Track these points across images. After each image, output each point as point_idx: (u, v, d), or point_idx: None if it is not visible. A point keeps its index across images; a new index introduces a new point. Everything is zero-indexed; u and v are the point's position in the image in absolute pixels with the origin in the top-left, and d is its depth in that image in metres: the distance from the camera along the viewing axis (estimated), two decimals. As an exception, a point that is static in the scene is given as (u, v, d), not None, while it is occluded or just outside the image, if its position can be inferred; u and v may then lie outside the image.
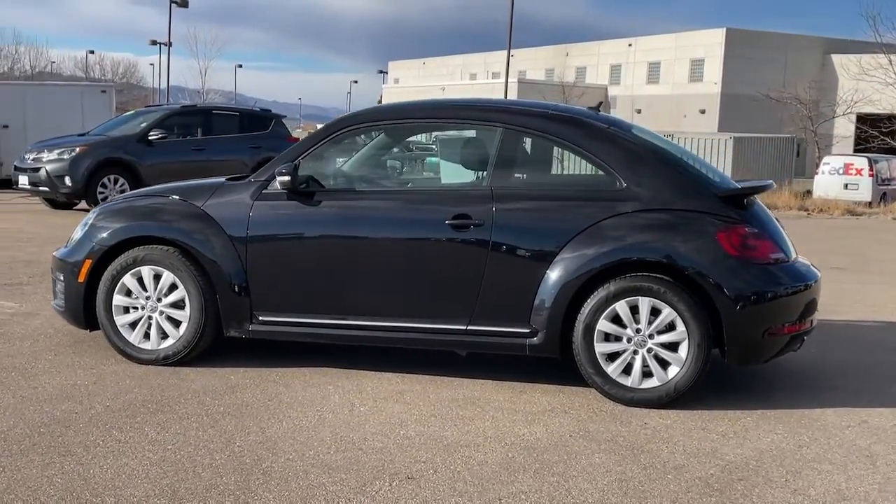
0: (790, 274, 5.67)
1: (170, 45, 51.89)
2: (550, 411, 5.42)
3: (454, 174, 6.22)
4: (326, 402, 5.44)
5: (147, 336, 6.10)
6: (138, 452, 4.51)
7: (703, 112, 59.67)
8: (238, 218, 5.98)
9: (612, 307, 5.53)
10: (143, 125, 17.06)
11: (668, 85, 63.20)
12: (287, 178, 5.87)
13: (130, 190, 15.51)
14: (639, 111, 63.26)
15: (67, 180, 16.14)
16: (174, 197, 6.19)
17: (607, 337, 5.57)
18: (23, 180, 16.82)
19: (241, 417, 5.09)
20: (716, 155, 34.80)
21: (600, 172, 5.80)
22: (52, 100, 22.10)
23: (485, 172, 5.87)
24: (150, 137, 16.71)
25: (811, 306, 5.80)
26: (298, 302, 5.95)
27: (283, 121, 18.81)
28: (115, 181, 16.38)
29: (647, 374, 5.57)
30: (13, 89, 23.43)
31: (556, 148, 5.94)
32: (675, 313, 5.46)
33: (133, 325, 6.11)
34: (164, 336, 6.09)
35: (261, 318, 5.97)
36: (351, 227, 5.90)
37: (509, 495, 4.15)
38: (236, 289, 5.95)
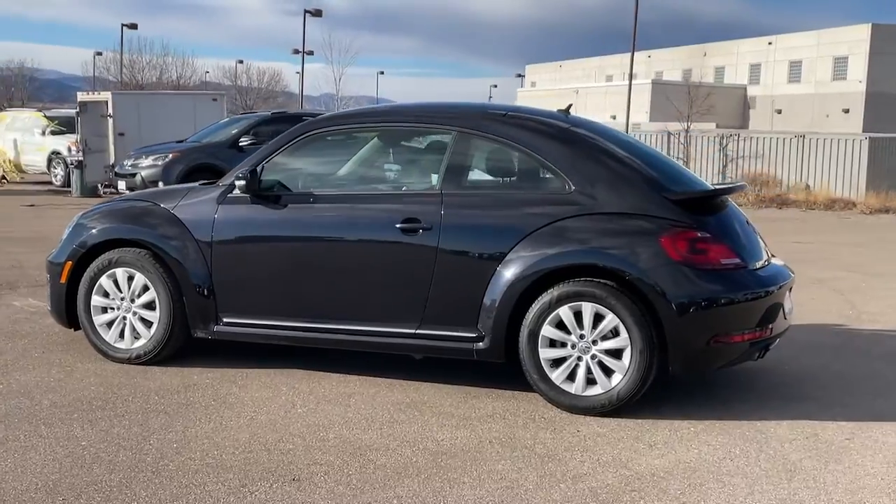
0: (745, 280, 5.46)
1: (303, 53, 53.07)
2: (489, 416, 5.36)
3: (409, 177, 6.22)
4: (270, 403, 5.51)
5: (122, 335, 6.32)
6: (50, 448, 4.67)
7: (846, 112, 57.50)
8: (204, 221, 6.13)
9: (555, 312, 5.43)
10: (235, 132, 17.58)
11: (809, 84, 61.16)
12: (243, 182, 5.99)
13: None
14: (779, 111, 61.45)
15: (160, 185, 16.77)
16: (150, 201, 6.39)
17: (552, 343, 5.47)
18: (121, 185, 17.57)
19: (173, 416, 5.21)
20: (849, 157, 33.43)
21: (549, 176, 5.71)
22: (165, 108, 22.97)
23: (437, 176, 5.86)
24: (240, 143, 17.19)
25: (772, 313, 5.57)
26: (259, 304, 6.05)
27: None
28: (207, 186, 16.91)
29: (591, 381, 5.45)
30: (128, 98, 24.46)
31: (509, 151, 5.87)
32: (617, 319, 5.33)
33: (110, 324, 6.33)
34: (137, 336, 6.29)
35: (225, 319, 6.11)
36: (306, 230, 5.97)
37: (382, 500, 4.14)
38: (202, 290, 6.10)
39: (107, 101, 22.19)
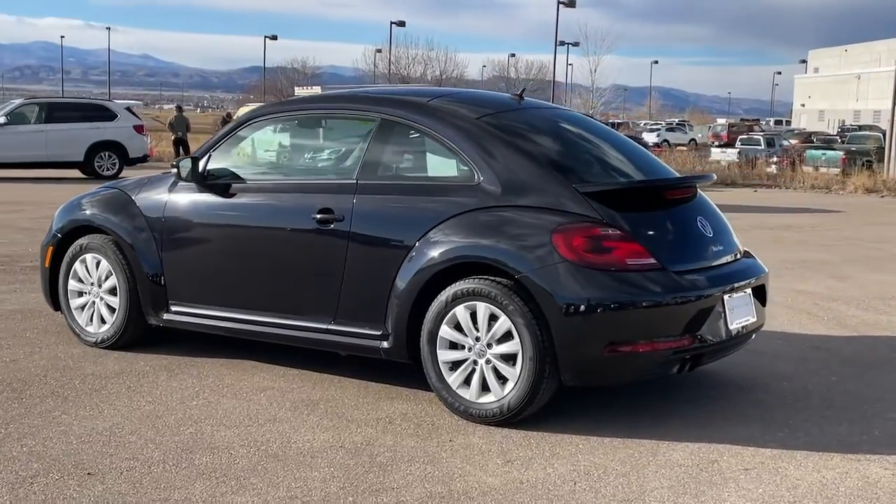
0: (658, 283, 4.87)
1: (555, 44, 52.80)
2: (378, 420, 5.07)
3: (332, 166, 5.97)
4: (175, 394, 5.44)
5: (91, 320, 6.48)
6: (-86, 424, 4.85)
7: None
8: (156, 209, 6.17)
9: (452, 312, 5.07)
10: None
11: None
12: (176, 169, 5.99)
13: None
14: None
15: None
16: (120, 189, 6.50)
17: (452, 345, 5.10)
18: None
19: (69, 402, 5.22)
20: None
21: (461, 166, 5.33)
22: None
23: (357, 164, 5.60)
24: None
25: (698, 322, 4.93)
26: (201, 294, 6.03)
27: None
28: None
29: (487, 387, 5.04)
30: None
31: (426, 139, 5.50)
32: (510, 322, 4.90)
33: (84, 308, 6.51)
34: (103, 321, 6.43)
35: (173, 308, 6.13)
36: (236, 220, 5.89)
37: (174, 499, 3.99)
38: (154, 278, 6.14)
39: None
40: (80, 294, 6.50)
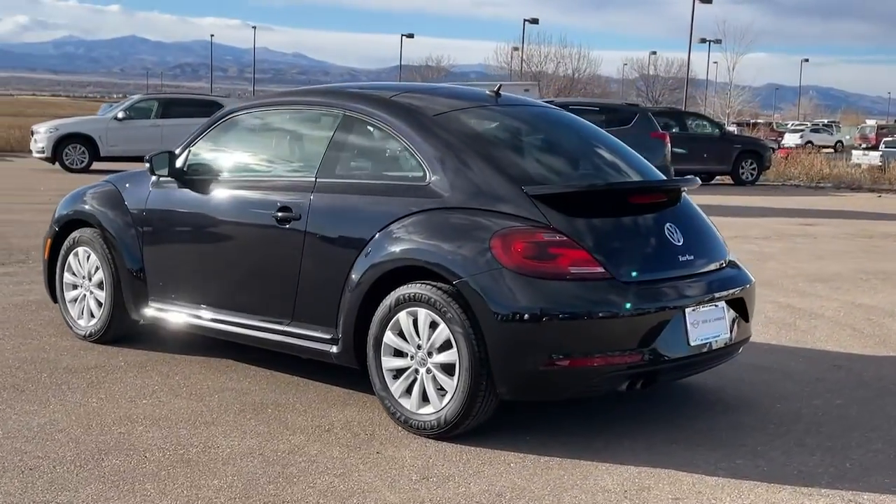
0: (603, 293, 4.54)
1: (689, 40, 51.51)
2: (325, 427, 4.86)
3: (296, 163, 5.78)
4: (132, 391, 5.36)
5: (82, 313, 6.49)
6: None
7: None
8: (139, 203, 6.13)
9: (396, 318, 4.84)
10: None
11: None
12: (148, 163, 5.93)
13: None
14: None
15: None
16: (113, 183, 6.48)
17: (397, 352, 4.88)
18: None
19: (32, 400, 5.16)
20: None
21: (414, 164, 5.08)
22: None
23: (318, 161, 5.42)
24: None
25: (646, 337, 4.58)
26: (175, 291, 5.97)
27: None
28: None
29: (427, 398, 4.80)
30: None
31: (386, 136, 5.26)
32: (448, 330, 4.64)
33: (76, 301, 6.53)
34: (92, 315, 6.43)
35: (152, 304, 6.08)
36: (206, 218, 5.79)
37: (56, 502, 3.89)
38: (135, 273, 6.10)
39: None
40: (75, 287, 6.51)
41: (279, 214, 5.32)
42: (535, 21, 62.44)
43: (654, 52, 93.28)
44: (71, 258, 6.49)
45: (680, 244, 4.91)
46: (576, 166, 5.34)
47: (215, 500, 3.96)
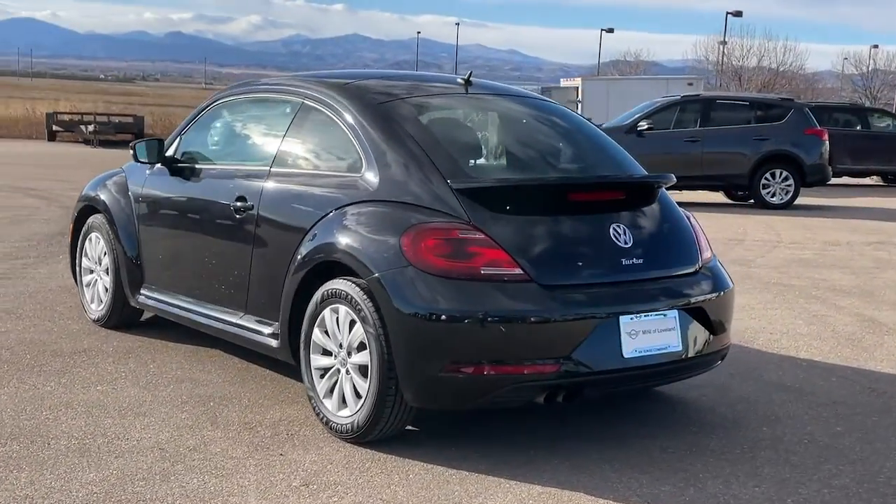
0: (517, 296, 4.18)
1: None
2: (253, 424, 4.70)
3: (259, 152, 5.59)
4: (108, 383, 5.26)
5: (94, 298, 6.58)
6: None
7: None
8: (137, 191, 6.15)
9: (322, 315, 4.62)
10: (636, 116, 16.81)
11: None
12: (132, 151, 5.92)
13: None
14: None
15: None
16: (124, 171, 6.52)
17: (325, 351, 4.66)
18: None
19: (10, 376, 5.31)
20: None
21: (354, 155, 4.83)
22: (635, 93, 22.65)
23: (276, 150, 5.26)
24: (639, 128, 16.39)
25: (563, 346, 4.17)
26: (161, 279, 5.96)
27: None
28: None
29: (346, 400, 4.57)
30: (598, 84, 24.47)
31: (335, 124, 5.02)
32: (363, 329, 4.39)
33: (90, 285, 6.63)
34: (101, 300, 6.50)
35: (144, 291, 6.08)
36: (182, 205, 5.76)
37: None
38: (133, 259, 6.13)
39: (577, 87, 22.48)
40: (90, 271, 6.60)
41: (237, 204, 5.20)
42: (738, 14, 60.11)
43: (876, 46, 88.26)
44: (87, 243, 6.59)
45: (626, 247, 4.46)
46: (525, 160, 4.97)
47: (77, 494, 3.86)
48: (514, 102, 5.45)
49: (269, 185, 5.09)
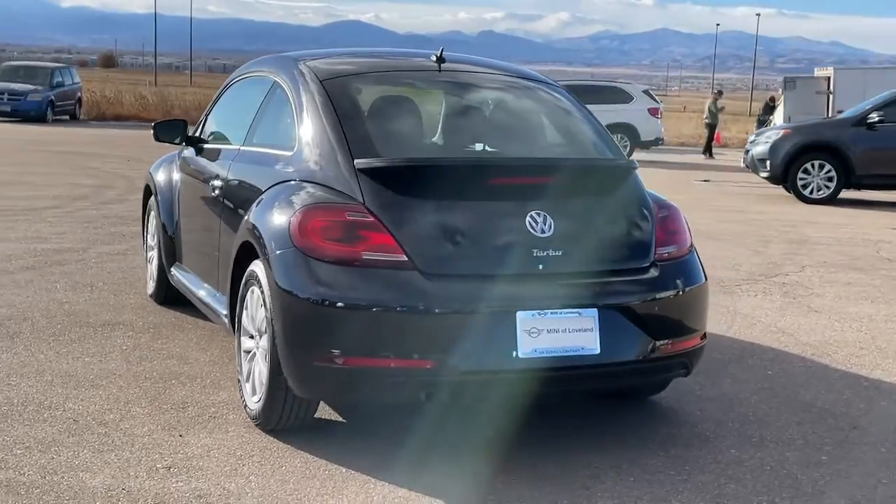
0: (395, 285, 3.88)
1: None
2: (175, 405, 4.67)
3: (240, 131, 5.47)
4: (99, 356, 5.43)
5: (151, 275, 6.80)
6: None
7: None
8: (178, 170, 6.30)
9: (246, 296, 4.52)
10: (868, 107, 15.38)
11: None
12: (152, 131, 6.03)
13: (836, 177, 14.49)
14: None
15: (767, 164, 15.55)
16: (176, 152, 6.67)
17: (251, 334, 4.56)
18: (744, 162, 16.79)
19: (36, 345, 5.53)
20: None
21: (293, 133, 4.67)
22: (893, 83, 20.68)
23: (247, 130, 5.22)
24: (869, 120, 15.00)
25: (444, 341, 3.83)
26: (180, 255, 6.08)
27: None
28: (821, 167, 15.16)
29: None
30: (853, 75, 22.51)
31: (289, 104, 4.86)
32: (264, 312, 4.26)
33: (150, 262, 6.86)
34: (154, 277, 6.71)
35: (174, 269, 6.20)
36: (191, 184, 5.84)
37: None
38: (171, 238, 6.27)
39: (828, 78, 20.87)
40: (151, 249, 6.83)
41: (213, 183, 5.21)
42: None
43: None
44: (148, 222, 6.83)
45: (543, 236, 4.02)
46: (458, 142, 4.64)
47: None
48: (490, 81, 5.09)
49: (235, 164, 5.06)
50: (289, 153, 4.56)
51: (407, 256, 3.89)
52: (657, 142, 24.17)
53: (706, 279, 4.51)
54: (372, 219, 3.95)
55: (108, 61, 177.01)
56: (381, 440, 4.25)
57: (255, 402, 4.33)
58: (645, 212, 4.37)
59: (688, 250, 4.46)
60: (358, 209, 4.00)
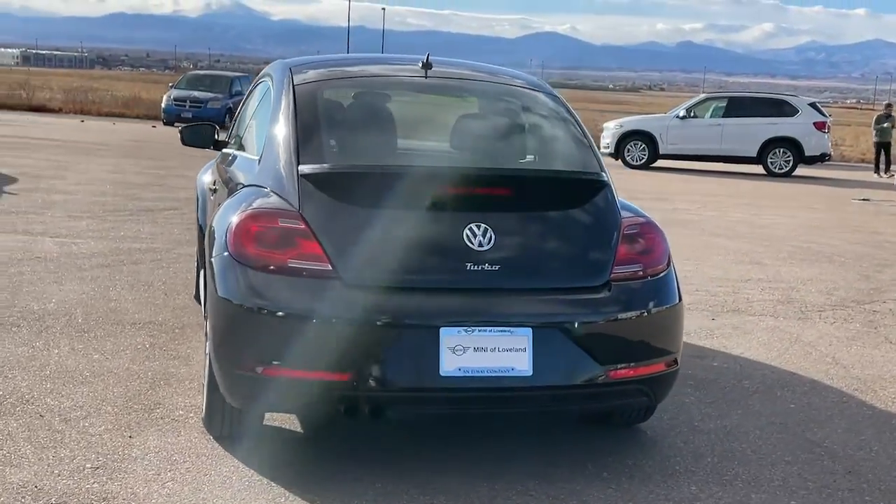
0: (313, 294, 3.76)
1: None
2: (153, 403, 4.74)
3: (243, 133, 5.45)
4: (102, 352, 5.62)
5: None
6: None
7: None
8: (211, 173, 6.38)
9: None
10: None
11: None
12: (180, 134, 6.11)
13: None
14: None
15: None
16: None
17: (213, 336, 4.56)
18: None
19: (17, 340, 5.63)
20: None
21: (265, 137, 4.63)
22: None
23: (243, 133, 5.25)
24: None
25: (362, 354, 3.70)
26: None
27: None
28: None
29: (213, 389, 4.41)
30: None
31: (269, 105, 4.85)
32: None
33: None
34: (198, 277, 6.81)
35: (200, 272, 6.27)
36: (213, 189, 5.88)
37: None
38: (202, 238, 6.35)
39: None
40: (201, 250, 6.95)
41: (214, 186, 5.26)
42: None
43: None
44: (198, 223, 6.95)
45: (481, 250, 3.82)
46: (416, 150, 4.48)
47: None
48: (474, 88, 4.91)
49: (229, 168, 5.09)
50: (256, 157, 4.52)
51: (332, 265, 3.77)
52: (823, 158, 22.98)
53: (680, 300, 4.19)
54: (303, 226, 3.85)
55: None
56: (329, 453, 4.14)
57: (203, 408, 4.31)
58: (608, 229, 4.09)
59: (659, 270, 4.15)
60: (292, 216, 3.90)
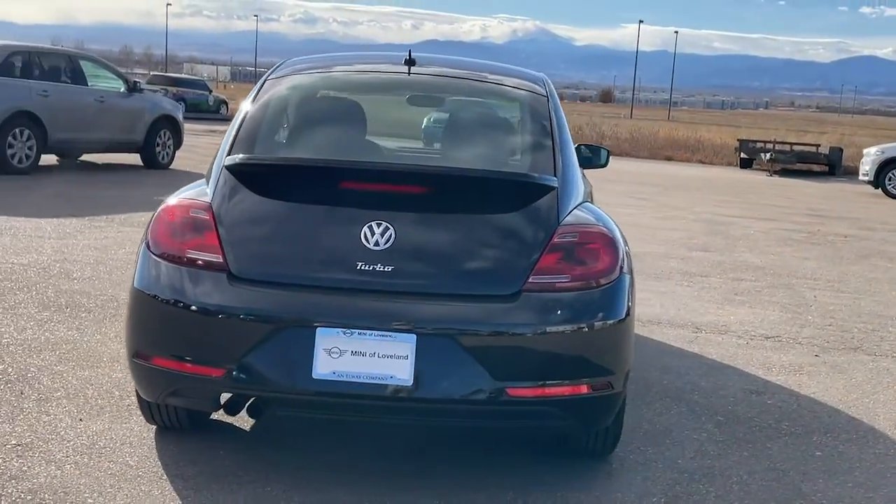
0: (197, 286, 3.68)
1: None
2: (120, 404, 4.78)
3: None
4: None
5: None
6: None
7: None
8: None
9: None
10: None
11: None
12: None
13: None
14: None
15: None
16: None
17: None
18: None
19: (26, 327, 5.79)
20: None
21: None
22: None
23: None
24: None
25: (235, 350, 3.57)
26: None
27: None
28: None
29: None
30: None
31: None
32: None
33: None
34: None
35: None
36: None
37: None
38: None
39: None
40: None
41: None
42: None
43: None
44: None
45: (376, 250, 3.59)
46: (355, 145, 4.26)
47: None
48: (451, 86, 4.66)
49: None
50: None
51: (223, 258, 3.67)
52: None
53: (626, 317, 3.74)
54: (208, 217, 3.78)
55: (607, 96, 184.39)
56: (261, 455, 4.04)
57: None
58: (535, 235, 3.72)
59: (599, 283, 3.72)
60: (202, 206, 3.85)
